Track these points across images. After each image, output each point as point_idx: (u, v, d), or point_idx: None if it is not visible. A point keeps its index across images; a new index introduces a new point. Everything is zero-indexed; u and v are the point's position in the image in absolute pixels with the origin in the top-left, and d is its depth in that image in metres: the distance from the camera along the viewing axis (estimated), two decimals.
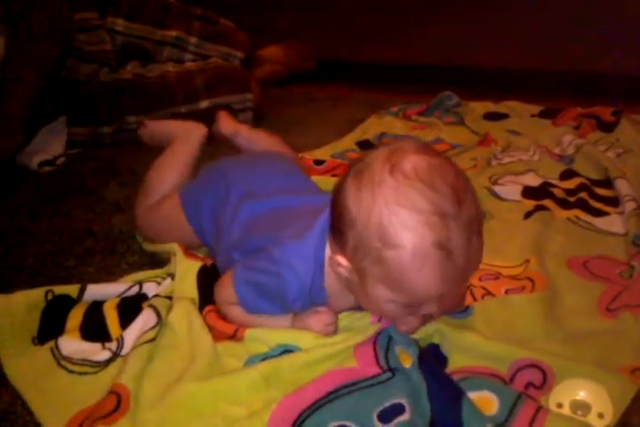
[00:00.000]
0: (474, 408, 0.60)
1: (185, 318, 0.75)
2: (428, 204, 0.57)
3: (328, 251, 0.69)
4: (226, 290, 0.75)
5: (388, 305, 0.64)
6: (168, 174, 0.98)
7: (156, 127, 1.11)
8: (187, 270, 0.84)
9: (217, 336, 0.74)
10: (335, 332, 0.72)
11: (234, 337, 0.73)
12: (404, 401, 0.61)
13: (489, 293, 0.82)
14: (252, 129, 1.16)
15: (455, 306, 0.73)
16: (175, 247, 0.88)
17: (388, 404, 0.61)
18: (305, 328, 0.72)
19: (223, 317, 0.76)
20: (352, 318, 0.76)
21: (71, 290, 0.82)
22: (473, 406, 0.60)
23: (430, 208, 0.57)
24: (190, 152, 1.01)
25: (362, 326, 0.73)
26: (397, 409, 0.61)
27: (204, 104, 1.55)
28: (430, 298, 0.62)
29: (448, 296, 0.64)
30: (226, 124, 1.15)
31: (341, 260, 0.64)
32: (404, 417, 0.60)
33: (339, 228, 0.63)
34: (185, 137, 1.04)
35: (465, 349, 0.69)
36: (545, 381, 0.66)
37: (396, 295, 0.62)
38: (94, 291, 0.83)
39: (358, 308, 0.73)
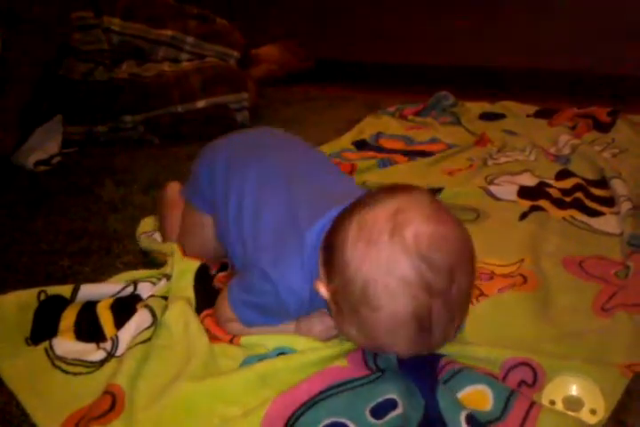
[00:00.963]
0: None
1: (181, 318, 0.74)
2: (419, 279, 0.56)
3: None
4: (226, 310, 0.74)
5: (357, 340, 0.65)
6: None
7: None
8: (185, 270, 0.83)
9: (213, 338, 0.74)
10: (336, 336, 0.72)
11: (230, 344, 0.73)
12: (395, 396, 0.62)
13: (482, 293, 0.82)
14: None
15: None
16: (174, 247, 0.87)
17: (380, 399, 0.62)
18: (308, 329, 0.72)
19: (226, 332, 0.75)
20: None
21: (64, 290, 0.82)
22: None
23: (420, 283, 0.56)
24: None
25: None
26: (390, 404, 0.61)
27: (200, 104, 1.55)
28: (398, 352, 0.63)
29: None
30: None
31: (322, 289, 0.64)
32: (397, 411, 0.60)
33: (329, 261, 0.62)
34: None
35: (453, 355, 0.69)
36: (536, 378, 0.66)
37: (365, 340, 0.63)
38: (88, 291, 0.83)
39: None
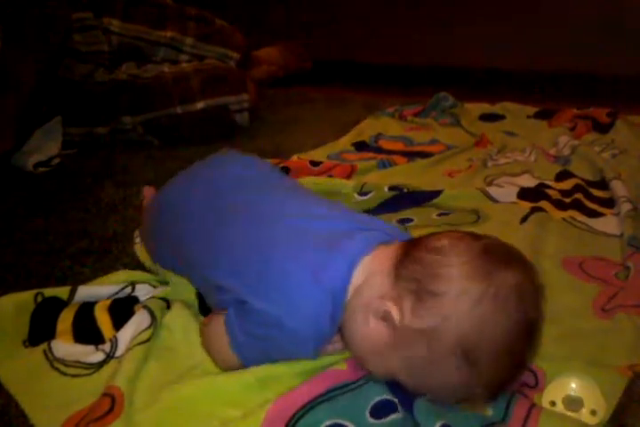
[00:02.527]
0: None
1: (181, 320, 0.74)
2: (525, 318, 0.58)
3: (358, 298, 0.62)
4: (224, 351, 0.67)
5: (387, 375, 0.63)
6: None
7: None
8: None
9: None
10: (342, 349, 0.69)
11: None
12: (394, 399, 0.62)
13: None
14: None
15: None
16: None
17: (379, 398, 0.62)
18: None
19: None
20: None
21: (61, 292, 0.81)
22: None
23: (525, 322, 0.58)
24: None
25: None
26: (389, 406, 0.61)
27: (199, 105, 1.54)
28: None
29: None
30: None
31: (395, 314, 0.58)
32: (397, 415, 0.60)
33: (422, 284, 0.57)
34: None
35: None
36: (537, 380, 0.66)
37: (408, 383, 0.61)
38: (85, 292, 0.82)
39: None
